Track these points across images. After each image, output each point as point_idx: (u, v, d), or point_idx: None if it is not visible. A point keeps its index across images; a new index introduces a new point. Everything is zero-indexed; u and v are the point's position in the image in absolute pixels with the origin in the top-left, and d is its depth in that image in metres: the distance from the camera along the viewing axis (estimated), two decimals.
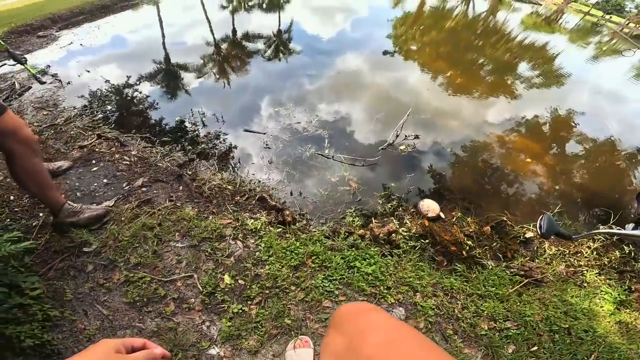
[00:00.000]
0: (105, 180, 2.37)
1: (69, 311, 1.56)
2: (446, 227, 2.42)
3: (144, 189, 2.32)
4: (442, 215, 2.50)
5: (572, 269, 2.23)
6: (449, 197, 2.72)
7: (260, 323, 1.65)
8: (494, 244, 2.36)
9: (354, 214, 2.40)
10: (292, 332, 1.63)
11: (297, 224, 2.25)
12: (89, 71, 4.71)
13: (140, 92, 4.09)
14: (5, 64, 4.63)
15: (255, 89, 4.25)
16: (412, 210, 2.52)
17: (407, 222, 2.39)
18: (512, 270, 2.15)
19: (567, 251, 2.36)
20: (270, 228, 2.13)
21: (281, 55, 5.65)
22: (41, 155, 1.83)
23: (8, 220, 1.98)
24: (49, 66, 4.88)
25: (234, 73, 4.86)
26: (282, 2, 9.76)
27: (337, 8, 9.17)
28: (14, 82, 4.07)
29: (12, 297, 1.20)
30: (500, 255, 2.28)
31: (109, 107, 3.54)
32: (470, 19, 10.48)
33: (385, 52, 6.06)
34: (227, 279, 1.79)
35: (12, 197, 2.19)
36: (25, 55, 3.45)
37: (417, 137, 3.39)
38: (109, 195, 2.25)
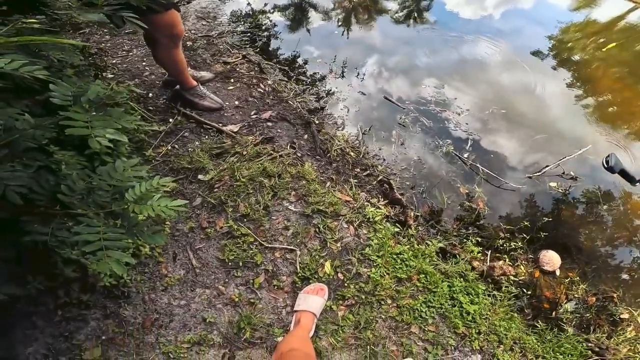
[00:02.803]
0: (237, 102, 2.16)
1: (159, 250, 1.37)
2: (553, 284, 2.04)
3: (269, 123, 2.05)
4: (558, 273, 2.07)
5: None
6: (575, 256, 2.19)
7: (342, 328, 1.38)
8: (588, 314, 1.94)
9: (474, 241, 1.97)
10: (369, 347, 1.36)
11: (416, 228, 1.84)
12: None
13: (291, 22, 3.74)
14: None
15: (406, 53, 3.57)
16: (530, 256, 2.06)
17: (521, 266, 1.98)
18: (589, 343, 1.78)
19: None
20: (388, 224, 1.74)
21: (444, 23, 4.78)
22: (180, 46, 1.82)
23: (139, 116, 1.83)
24: None
25: (390, 26, 4.19)
26: None
27: None
28: None
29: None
30: (585, 326, 1.91)
31: (259, 31, 3.28)
32: None
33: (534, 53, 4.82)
34: (327, 267, 1.48)
35: (150, 95, 2.07)
36: None
37: (575, 179, 2.60)
38: (236, 119, 2.03)
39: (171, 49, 1.77)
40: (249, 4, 3.80)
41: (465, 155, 2.46)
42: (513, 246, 2.06)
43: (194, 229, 1.47)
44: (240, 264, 1.40)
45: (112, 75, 2.29)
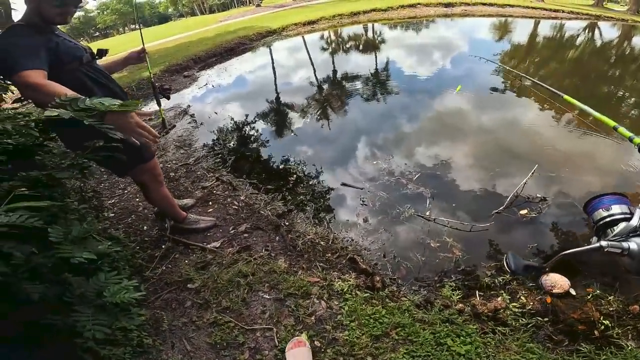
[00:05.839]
0: (216, 222, 2.85)
1: (160, 341, 1.91)
2: (576, 305, 2.15)
3: (245, 235, 2.71)
4: (573, 292, 2.22)
5: None
6: (586, 271, 2.38)
7: None
8: None
9: (453, 285, 2.33)
10: None
11: (387, 289, 2.29)
12: (216, 113, 5.74)
13: (252, 136, 4.87)
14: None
15: (354, 136, 4.57)
16: (531, 284, 2.30)
17: (522, 297, 2.20)
18: None
19: None
20: (357, 292, 2.22)
21: (379, 96, 6.01)
22: (164, 184, 2.49)
23: (137, 247, 2.56)
24: (189, 106, 6.09)
25: (334, 115, 5.39)
26: (377, 42, 10.64)
27: (434, 45, 9.38)
28: (163, 120, 5.18)
29: (119, 320, 1.55)
30: None
31: (227, 150, 4.28)
32: (598, 47, 9.42)
33: (493, 89, 5.82)
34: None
35: (145, 227, 2.82)
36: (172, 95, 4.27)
37: (543, 199, 3.04)
38: (217, 236, 2.70)
39: (158, 188, 2.39)
40: (214, 131, 4.91)
41: (427, 213, 2.98)
42: (502, 281, 2.31)
43: (186, 323, 2.01)
44: (226, 344, 1.88)
45: (113, 214, 3.08)
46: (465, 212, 3.03)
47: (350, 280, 2.31)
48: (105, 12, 50.44)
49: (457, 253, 2.61)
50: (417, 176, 3.48)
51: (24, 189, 1.07)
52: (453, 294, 2.24)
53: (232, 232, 2.76)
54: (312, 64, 8.75)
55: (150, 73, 2.60)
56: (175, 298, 2.19)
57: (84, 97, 1.38)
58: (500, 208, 2.97)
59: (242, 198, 3.15)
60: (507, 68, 4.53)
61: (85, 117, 1.28)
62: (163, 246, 2.58)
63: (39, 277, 1.23)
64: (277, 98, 6.47)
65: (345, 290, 2.23)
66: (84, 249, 1.19)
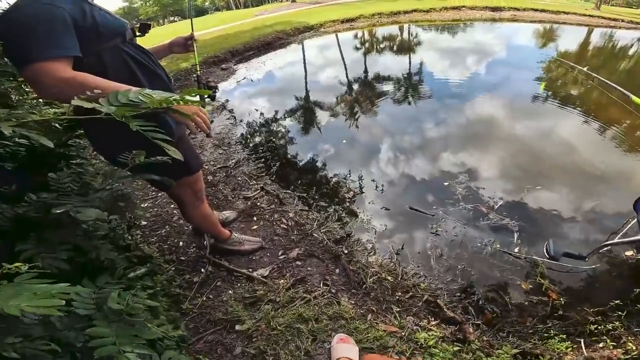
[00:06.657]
0: (263, 244, 2.44)
1: None
2: None
3: (298, 262, 2.28)
4: None
5: None
6: None
7: None
8: None
9: (558, 335, 1.97)
10: None
11: (480, 341, 1.88)
12: (257, 110, 5.35)
13: (298, 140, 4.43)
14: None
15: (419, 151, 3.97)
16: (636, 329, 2.00)
17: (630, 343, 1.89)
18: None
19: None
20: (445, 345, 1.80)
21: (448, 103, 5.38)
22: (205, 200, 2.06)
23: (173, 269, 2.16)
24: (227, 100, 5.75)
25: (395, 124, 4.80)
26: (412, 45, 10.14)
27: (493, 51, 8.75)
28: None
29: None
30: None
31: (270, 154, 3.85)
32: None
33: (535, 98, 5.35)
34: None
35: (181, 243, 2.43)
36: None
37: None
38: (265, 261, 2.29)
39: (199, 206, 1.98)
40: (255, 131, 4.54)
41: (516, 250, 2.53)
42: (610, 327, 2.00)
43: None
44: None
45: (145, 223, 2.70)
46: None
47: (433, 329, 1.90)
48: (147, 4, 52.44)
49: (555, 296, 2.23)
50: (499, 204, 2.95)
51: (20, 264, 0.63)
52: (561, 346, 1.91)
53: (281, 257, 2.33)
54: (345, 63, 8.28)
55: (197, 65, 2.18)
56: (221, 341, 1.78)
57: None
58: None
59: (291, 215, 2.72)
60: (585, 70, 4.00)
61: (130, 119, 0.84)
62: (203, 270, 2.18)
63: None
64: (321, 99, 5.98)
65: (430, 344, 1.79)
66: (134, 337, 0.77)
